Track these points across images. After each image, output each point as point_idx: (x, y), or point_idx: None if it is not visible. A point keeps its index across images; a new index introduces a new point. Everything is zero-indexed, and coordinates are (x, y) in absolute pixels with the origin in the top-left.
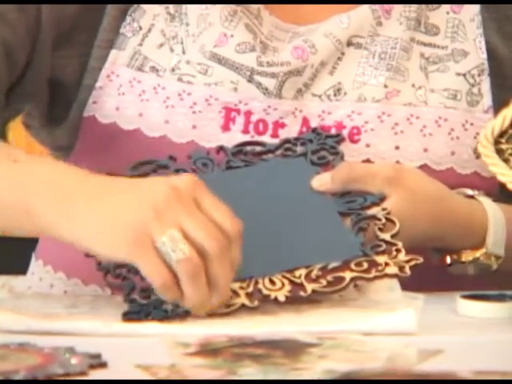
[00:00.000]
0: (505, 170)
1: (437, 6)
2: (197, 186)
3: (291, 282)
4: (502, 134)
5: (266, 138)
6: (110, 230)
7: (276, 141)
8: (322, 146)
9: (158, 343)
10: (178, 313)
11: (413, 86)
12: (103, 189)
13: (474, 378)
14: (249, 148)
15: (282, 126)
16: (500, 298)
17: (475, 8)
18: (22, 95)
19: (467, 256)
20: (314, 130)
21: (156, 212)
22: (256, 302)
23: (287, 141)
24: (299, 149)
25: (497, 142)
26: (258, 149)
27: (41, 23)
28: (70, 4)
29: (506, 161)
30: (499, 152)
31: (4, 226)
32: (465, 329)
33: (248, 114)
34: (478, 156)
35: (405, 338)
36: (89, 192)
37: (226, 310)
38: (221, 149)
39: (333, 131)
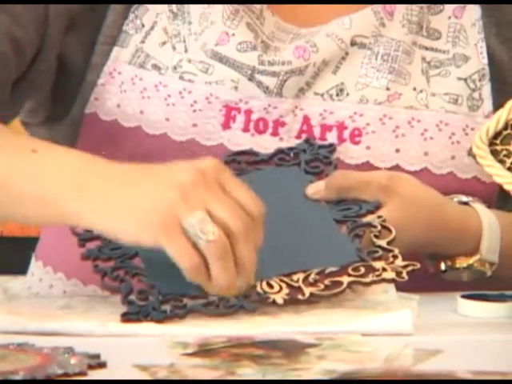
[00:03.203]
0: (501, 171)
1: (439, 10)
2: (220, 169)
3: (289, 285)
4: (496, 136)
5: (267, 137)
6: (136, 215)
7: (275, 140)
8: (316, 155)
9: (157, 343)
10: (177, 314)
11: (414, 89)
12: (126, 175)
13: (473, 378)
14: (242, 158)
15: (283, 124)
16: (500, 298)
17: (477, 13)
18: (27, 89)
19: (461, 262)
20: (307, 141)
21: (182, 194)
22: (254, 305)
23: (280, 151)
24: (292, 159)
25: (491, 144)
26: (252, 158)
27: (49, 17)
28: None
29: (500, 162)
30: (494, 153)
31: (26, 217)
32: (464, 329)
33: (248, 112)
34: (473, 157)
35: (404, 338)
36: (111, 179)
37: (224, 311)
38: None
39: (327, 141)
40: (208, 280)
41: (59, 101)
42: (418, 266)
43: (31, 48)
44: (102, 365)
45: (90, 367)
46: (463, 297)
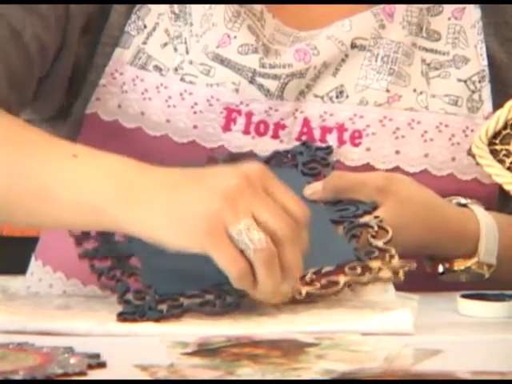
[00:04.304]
0: (500, 171)
1: (438, 11)
2: (265, 174)
3: None
4: (495, 135)
5: (267, 139)
6: (182, 222)
7: (276, 142)
8: (313, 157)
9: (156, 343)
10: (173, 313)
11: (414, 91)
12: (171, 180)
13: (472, 378)
14: (240, 159)
15: (283, 127)
16: (500, 298)
17: (476, 14)
18: (45, 89)
19: (459, 265)
20: (304, 143)
21: (229, 201)
22: (251, 303)
23: (278, 153)
24: (290, 160)
25: (491, 143)
26: (249, 160)
27: (70, 17)
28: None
29: (500, 161)
30: (493, 153)
31: (68, 224)
32: (464, 329)
33: (249, 114)
34: (472, 157)
35: (404, 338)
36: (156, 185)
37: (220, 310)
38: (212, 159)
39: (328, 143)
40: (254, 287)
41: (62, 100)
42: (415, 265)
43: (54, 48)
44: (102, 365)
45: (90, 367)
46: (463, 296)
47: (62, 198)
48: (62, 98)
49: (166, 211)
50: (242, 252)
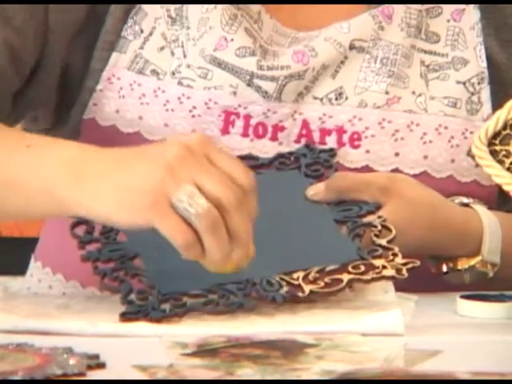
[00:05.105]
0: (500, 172)
1: (437, 13)
2: (208, 142)
3: (289, 283)
4: (495, 136)
5: (266, 141)
6: (127, 198)
7: (275, 144)
8: (316, 160)
9: (156, 344)
10: (177, 313)
11: (413, 93)
12: (116, 159)
13: (472, 378)
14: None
15: (282, 129)
16: (500, 298)
17: (475, 16)
18: (31, 99)
19: (463, 264)
20: (307, 145)
21: (169, 171)
22: (253, 302)
23: (280, 155)
24: (293, 163)
25: (490, 144)
26: (252, 163)
27: (49, 26)
28: (74, 4)
29: (500, 162)
30: (493, 153)
31: (29, 211)
32: (464, 329)
33: (247, 117)
34: (472, 158)
35: (403, 338)
36: (102, 165)
37: (224, 310)
38: None
39: (327, 145)
40: (202, 256)
41: (59, 107)
42: (418, 263)
43: (31, 59)
44: (101, 365)
45: (89, 367)
46: (463, 297)
47: (21, 187)
48: (51, 110)
49: (111, 189)
50: (187, 221)
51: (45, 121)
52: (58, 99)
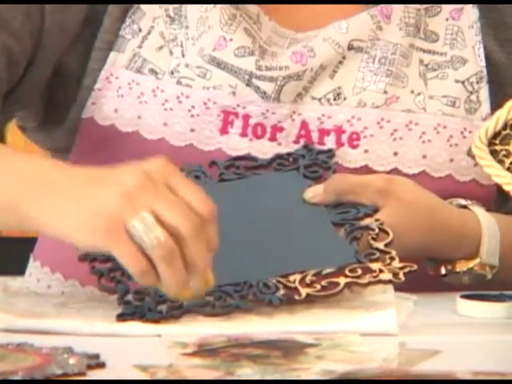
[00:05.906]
0: (500, 172)
1: (436, 12)
2: (168, 169)
3: (285, 286)
4: (495, 136)
5: (265, 142)
6: (85, 221)
7: (273, 145)
8: (314, 161)
9: (156, 343)
10: (173, 314)
11: (412, 92)
12: (77, 179)
13: (472, 378)
14: (241, 163)
15: (280, 129)
16: (500, 298)
17: (474, 15)
18: (19, 99)
19: (461, 266)
20: (306, 146)
21: (127, 197)
22: (250, 304)
23: (279, 156)
24: (291, 164)
25: (490, 144)
26: (251, 164)
27: (44, 26)
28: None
29: (500, 162)
30: (493, 153)
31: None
32: (464, 329)
33: (246, 117)
34: (472, 157)
35: (403, 338)
36: (66, 185)
37: (220, 311)
38: (213, 163)
39: (326, 145)
40: (159, 283)
41: (56, 106)
42: (415, 267)
43: (24, 60)
44: (101, 365)
45: (89, 367)
46: (463, 297)
47: None
48: (39, 109)
49: (74, 209)
50: (142, 249)
51: (35, 120)
52: (47, 99)
